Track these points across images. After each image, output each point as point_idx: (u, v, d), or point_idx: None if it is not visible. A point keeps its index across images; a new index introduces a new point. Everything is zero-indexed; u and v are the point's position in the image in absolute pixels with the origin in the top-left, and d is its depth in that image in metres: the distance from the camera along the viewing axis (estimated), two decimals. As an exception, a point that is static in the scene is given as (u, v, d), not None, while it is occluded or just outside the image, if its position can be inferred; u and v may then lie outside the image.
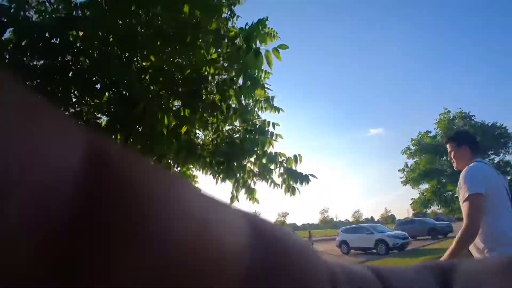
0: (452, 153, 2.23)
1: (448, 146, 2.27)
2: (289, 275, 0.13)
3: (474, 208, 1.89)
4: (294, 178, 3.33)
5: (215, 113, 3.16)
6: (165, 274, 0.10)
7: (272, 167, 3.49)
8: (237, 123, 3.74)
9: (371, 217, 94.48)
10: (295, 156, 3.41)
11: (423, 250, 16.69)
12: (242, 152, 3.36)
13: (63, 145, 0.10)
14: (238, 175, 3.43)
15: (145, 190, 0.11)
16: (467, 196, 1.92)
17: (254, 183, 3.60)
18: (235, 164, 3.36)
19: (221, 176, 3.37)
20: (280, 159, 3.48)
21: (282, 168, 3.47)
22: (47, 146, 0.09)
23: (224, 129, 3.70)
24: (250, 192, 3.53)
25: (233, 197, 3.48)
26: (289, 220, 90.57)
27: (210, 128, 3.63)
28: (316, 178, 3.36)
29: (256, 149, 3.42)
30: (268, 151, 3.47)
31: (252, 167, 3.55)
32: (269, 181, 3.49)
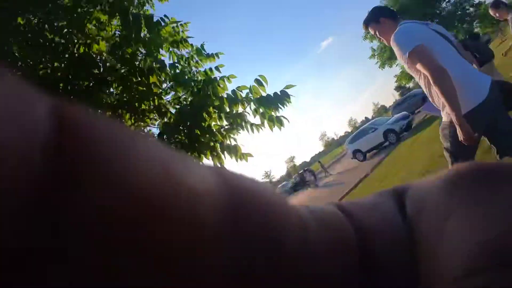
0: (377, 32, 2.15)
1: (370, 29, 2.18)
2: (255, 223, 0.13)
3: (424, 55, 1.78)
4: (271, 104, 2.56)
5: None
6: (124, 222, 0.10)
7: (239, 109, 2.71)
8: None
9: (365, 118, 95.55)
10: (256, 80, 2.62)
11: (429, 120, 16.58)
12: (197, 118, 2.56)
13: (22, 106, 0.09)
14: (208, 143, 2.65)
15: (107, 144, 0.11)
16: (409, 54, 1.80)
17: (234, 139, 2.83)
18: (197, 132, 2.56)
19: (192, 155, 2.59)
20: (241, 96, 2.69)
21: (251, 104, 2.69)
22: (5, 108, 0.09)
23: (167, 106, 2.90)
24: (234, 152, 2.76)
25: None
26: (297, 161, 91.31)
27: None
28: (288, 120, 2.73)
29: (210, 102, 2.63)
30: (224, 95, 2.68)
31: (218, 123, 2.75)
32: (247, 126, 2.72)
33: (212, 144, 2.62)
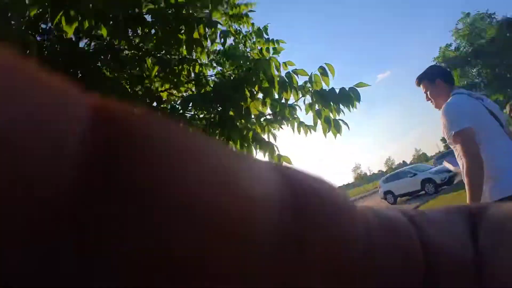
0: (428, 92, 2.07)
1: (421, 87, 2.09)
2: (324, 229, 0.13)
3: (467, 142, 1.75)
4: (333, 101, 1.97)
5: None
6: (188, 234, 0.09)
7: (291, 99, 2.13)
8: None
9: (403, 161, 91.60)
10: (321, 68, 2.03)
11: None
12: (237, 94, 2.02)
13: (66, 108, 0.09)
14: (241, 129, 2.10)
15: (161, 144, 0.10)
16: (455, 134, 1.77)
17: (272, 134, 2.25)
18: (231, 113, 2.01)
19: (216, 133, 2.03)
20: (297, 82, 2.11)
21: (307, 96, 2.10)
22: (49, 110, 0.09)
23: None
24: (270, 151, 2.18)
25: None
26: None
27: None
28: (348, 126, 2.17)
29: (257, 80, 2.07)
30: (278, 76, 2.11)
31: (260, 108, 2.18)
32: (294, 122, 2.14)
33: (245, 132, 2.05)
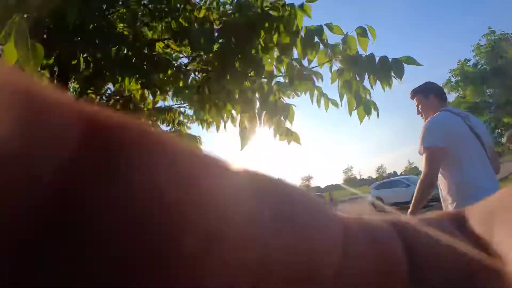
0: (420, 106, 2.16)
1: (415, 99, 2.17)
2: (296, 230, 0.13)
3: (430, 160, 1.86)
4: (369, 71, 1.51)
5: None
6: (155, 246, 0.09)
7: (315, 60, 1.65)
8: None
9: (394, 172, 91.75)
10: (359, 28, 1.57)
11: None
12: (246, 37, 1.53)
13: (56, 116, 0.09)
14: (244, 91, 1.63)
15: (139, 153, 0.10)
16: (424, 148, 1.89)
17: (282, 98, 1.77)
18: (235, 64, 1.54)
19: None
20: (327, 42, 1.63)
21: (337, 61, 1.64)
22: (40, 119, 0.09)
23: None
24: (284, 114, 1.70)
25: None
26: (313, 183, 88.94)
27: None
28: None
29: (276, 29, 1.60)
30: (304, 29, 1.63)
31: (274, 67, 1.70)
32: (314, 92, 1.68)
33: (250, 94, 1.59)
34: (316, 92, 1.66)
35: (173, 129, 2.88)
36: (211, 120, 2.19)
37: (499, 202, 0.18)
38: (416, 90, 2.18)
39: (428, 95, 2.13)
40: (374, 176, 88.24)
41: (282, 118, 1.64)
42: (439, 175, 1.93)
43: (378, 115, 1.74)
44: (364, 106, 1.63)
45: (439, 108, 2.07)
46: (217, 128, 2.07)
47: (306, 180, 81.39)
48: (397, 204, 17.47)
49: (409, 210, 1.90)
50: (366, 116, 1.66)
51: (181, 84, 1.95)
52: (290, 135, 1.73)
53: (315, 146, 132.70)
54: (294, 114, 1.67)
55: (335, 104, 1.70)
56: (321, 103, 1.67)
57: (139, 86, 2.15)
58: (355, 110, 1.63)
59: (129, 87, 2.17)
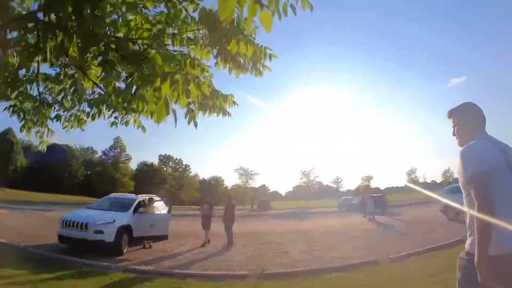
0: (456, 128, 2.18)
1: (451, 120, 2.21)
2: None
3: (482, 185, 1.82)
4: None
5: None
6: None
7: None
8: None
9: (433, 181, 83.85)
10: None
11: None
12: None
13: None
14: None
15: None
16: (471, 176, 1.86)
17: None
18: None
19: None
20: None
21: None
22: None
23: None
24: None
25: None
26: (373, 184, 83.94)
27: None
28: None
29: None
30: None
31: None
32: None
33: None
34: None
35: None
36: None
37: None
38: (454, 111, 2.19)
39: (465, 117, 2.14)
40: (439, 180, 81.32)
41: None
42: (466, 202, 1.94)
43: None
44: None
45: (475, 132, 2.07)
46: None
47: (366, 180, 76.91)
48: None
49: (476, 255, 1.77)
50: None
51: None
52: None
53: (377, 145, 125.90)
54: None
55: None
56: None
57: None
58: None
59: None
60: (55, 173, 58.76)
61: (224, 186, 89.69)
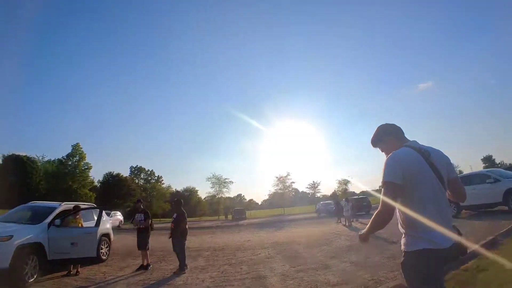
0: (381, 150, 2.48)
1: (377, 147, 2.51)
2: None
3: (387, 194, 2.08)
4: None
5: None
6: None
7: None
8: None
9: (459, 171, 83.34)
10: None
11: None
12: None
13: None
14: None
15: None
16: (383, 182, 2.13)
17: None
18: None
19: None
20: None
21: None
22: None
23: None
24: None
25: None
26: (350, 188, 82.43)
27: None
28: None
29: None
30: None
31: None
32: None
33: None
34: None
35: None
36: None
37: None
38: (373, 140, 2.51)
39: (383, 139, 2.44)
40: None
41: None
42: (397, 206, 2.12)
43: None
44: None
45: (399, 145, 2.31)
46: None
47: (342, 184, 74.82)
48: (478, 207, 13.09)
49: (365, 230, 2.36)
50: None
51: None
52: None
53: (350, 151, 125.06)
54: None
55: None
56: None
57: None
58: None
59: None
60: (11, 186, 52.18)
61: (198, 196, 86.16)
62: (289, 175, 65.96)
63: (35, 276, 6.95)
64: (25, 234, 7.06)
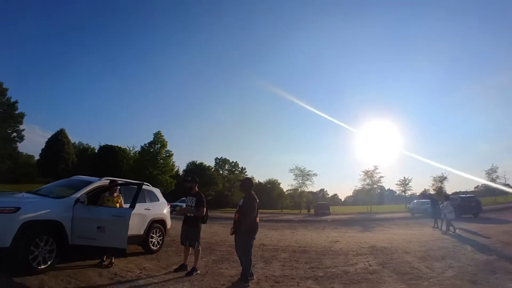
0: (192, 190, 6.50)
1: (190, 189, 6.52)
2: None
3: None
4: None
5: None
6: None
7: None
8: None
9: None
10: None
11: None
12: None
13: None
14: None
15: None
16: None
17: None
18: None
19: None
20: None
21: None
22: None
23: None
24: None
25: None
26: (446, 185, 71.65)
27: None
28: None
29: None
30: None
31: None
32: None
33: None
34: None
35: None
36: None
37: None
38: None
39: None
40: (515, 183, 66.71)
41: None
42: None
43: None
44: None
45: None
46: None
47: (438, 182, 65.25)
48: None
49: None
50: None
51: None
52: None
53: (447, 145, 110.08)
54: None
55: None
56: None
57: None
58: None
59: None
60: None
61: (280, 188, 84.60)
62: (377, 168, 59.29)
63: (48, 263, 5.38)
64: (40, 209, 5.41)
